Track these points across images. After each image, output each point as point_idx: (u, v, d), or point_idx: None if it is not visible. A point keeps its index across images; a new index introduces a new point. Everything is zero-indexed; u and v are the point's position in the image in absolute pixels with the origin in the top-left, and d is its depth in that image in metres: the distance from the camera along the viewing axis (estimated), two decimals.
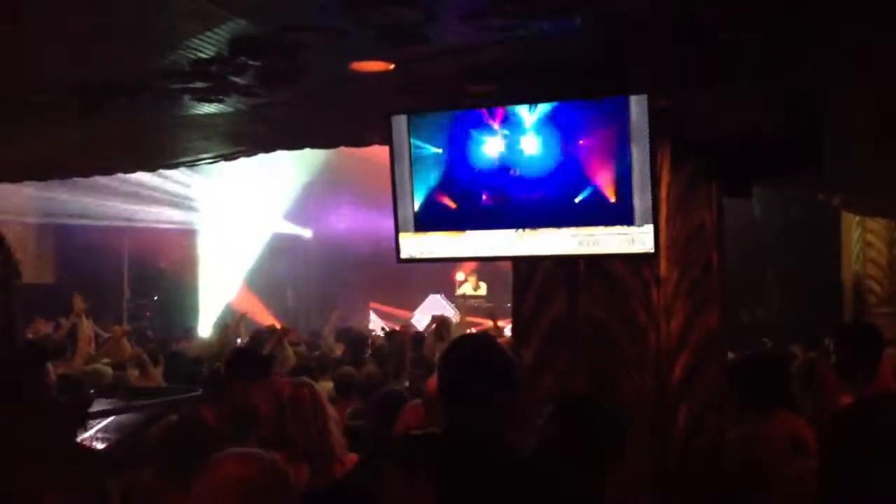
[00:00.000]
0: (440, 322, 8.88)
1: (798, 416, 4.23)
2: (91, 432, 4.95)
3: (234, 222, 15.12)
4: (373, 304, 15.51)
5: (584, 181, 3.92)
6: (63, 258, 14.06)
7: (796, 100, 4.12)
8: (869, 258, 10.96)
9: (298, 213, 15.55)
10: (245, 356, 4.73)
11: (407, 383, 6.27)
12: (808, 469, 3.95)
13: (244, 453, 2.31)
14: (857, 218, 10.86)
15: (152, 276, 14.92)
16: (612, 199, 3.87)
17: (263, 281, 15.16)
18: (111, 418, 5.34)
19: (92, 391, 4.32)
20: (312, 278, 15.68)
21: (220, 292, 14.94)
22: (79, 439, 4.29)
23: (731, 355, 5.47)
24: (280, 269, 15.51)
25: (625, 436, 2.79)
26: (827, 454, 1.99)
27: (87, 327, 8.32)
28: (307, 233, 16.11)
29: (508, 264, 4.53)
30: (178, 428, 3.93)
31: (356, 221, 14.32)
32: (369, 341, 9.35)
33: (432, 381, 3.77)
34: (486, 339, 2.64)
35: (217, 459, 2.22)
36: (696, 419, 4.06)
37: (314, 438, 3.65)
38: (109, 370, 6.51)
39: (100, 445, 4.74)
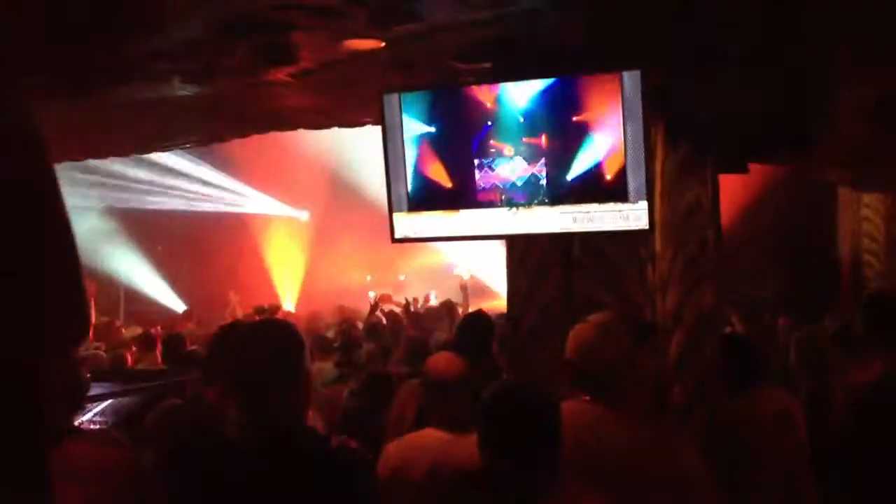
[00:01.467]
0: (448, 308, 8.83)
1: (784, 390, 4.25)
2: (88, 416, 4.95)
3: (230, 203, 15.10)
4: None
5: (577, 158, 3.91)
6: None
7: (790, 77, 4.10)
8: (866, 233, 10.95)
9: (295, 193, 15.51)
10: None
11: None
12: (796, 443, 3.98)
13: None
14: (854, 193, 10.85)
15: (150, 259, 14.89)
16: (607, 176, 3.85)
17: (257, 262, 15.15)
18: (108, 402, 5.34)
19: (88, 374, 4.30)
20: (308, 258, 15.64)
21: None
22: (76, 423, 4.29)
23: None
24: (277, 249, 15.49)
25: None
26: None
27: (94, 311, 8.34)
28: (304, 214, 16.08)
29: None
30: (181, 409, 3.92)
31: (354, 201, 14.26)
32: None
33: (433, 361, 3.76)
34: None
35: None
36: (692, 395, 4.06)
37: None
38: (104, 355, 6.51)
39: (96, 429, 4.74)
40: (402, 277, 13.87)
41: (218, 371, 3.98)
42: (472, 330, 4.71)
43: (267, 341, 2.29)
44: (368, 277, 13.45)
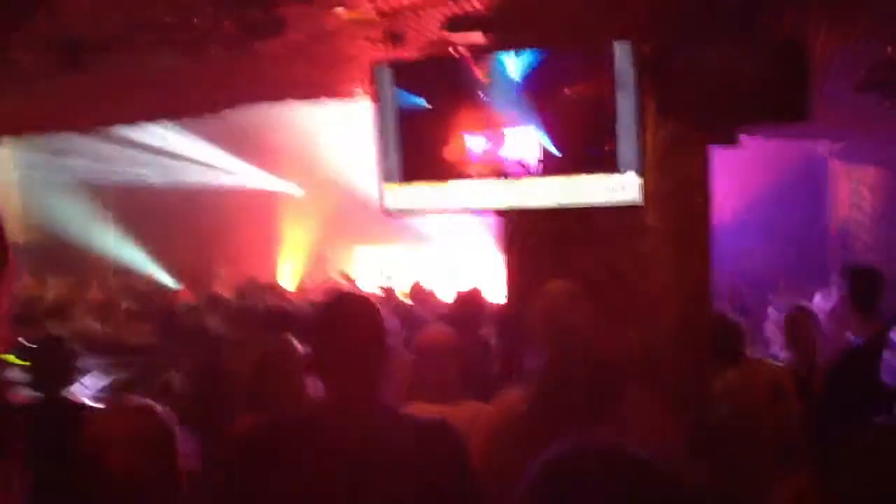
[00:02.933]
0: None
1: (772, 362, 4.30)
2: (81, 388, 4.96)
3: (220, 177, 15.01)
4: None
5: (569, 129, 3.91)
6: (50, 217, 13.98)
7: (782, 49, 4.09)
8: (854, 204, 11.00)
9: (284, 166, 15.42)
10: None
11: None
12: (789, 412, 4.03)
13: (133, 405, 2.33)
14: (845, 165, 10.88)
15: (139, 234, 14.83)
16: (598, 148, 3.85)
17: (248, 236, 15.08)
18: (103, 375, 5.35)
19: (75, 349, 4.30)
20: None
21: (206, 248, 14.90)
22: (70, 397, 4.30)
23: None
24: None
25: None
26: None
27: (96, 288, 8.36)
28: (298, 191, 15.99)
29: None
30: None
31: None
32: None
33: (425, 333, 3.77)
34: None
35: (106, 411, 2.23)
36: (686, 369, 4.08)
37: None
38: (97, 326, 6.50)
39: (92, 403, 4.74)
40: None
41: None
42: (464, 302, 4.74)
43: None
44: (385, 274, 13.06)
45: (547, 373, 2.68)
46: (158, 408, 2.38)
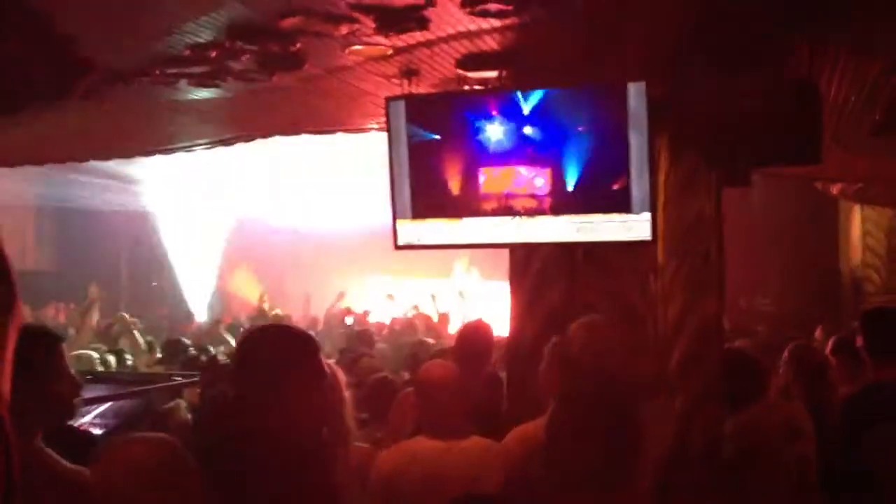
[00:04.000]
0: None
1: (792, 403, 4.25)
2: (88, 418, 4.95)
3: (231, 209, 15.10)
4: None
5: (582, 168, 3.92)
6: (63, 244, 14.07)
7: (795, 90, 4.10)
8: (867, 247, 10.97)
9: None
10: None
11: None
12: (805, 454, 3.98)
13: (149, 438, 2.32)
14: (856, 206, 10.86)
15: (151, 261, 14.91)
16: (611, 187, 3.86)
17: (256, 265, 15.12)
18: (109, 404, 5.34)
19: (88, 376, 4.31)
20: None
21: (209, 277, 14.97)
22: (76, 424, 4.29)
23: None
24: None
25: None
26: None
27: (95, 315, 8.39)
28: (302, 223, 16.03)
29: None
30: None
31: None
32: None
33: (427, 369, 3.76)
34: None
35: (121, 442, 2.23)
36: (694, 406, 4.06)
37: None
38: (95, 354, 6.50)
39: (97, 431, 4.73)
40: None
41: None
42: (472, 339, 4.71)
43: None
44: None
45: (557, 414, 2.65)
46: (177, 442, 2.37)
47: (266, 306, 10.80)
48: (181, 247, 15.11)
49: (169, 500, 2.18)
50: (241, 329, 8.55)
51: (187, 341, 7.94)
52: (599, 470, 2.20)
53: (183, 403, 3.67)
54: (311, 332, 7.30)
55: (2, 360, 1.21)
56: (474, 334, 4.75)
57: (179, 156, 7.30)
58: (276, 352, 2.36)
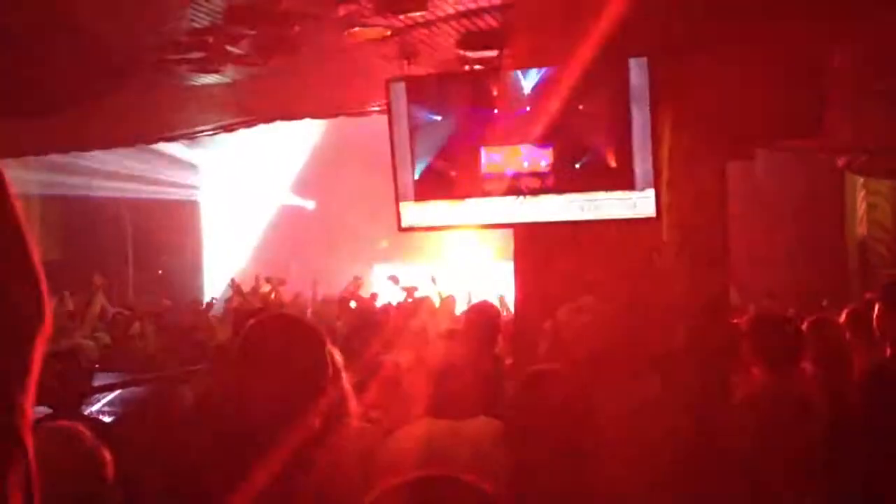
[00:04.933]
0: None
1: (809, 377, 4.23)
2: (97, 406, 4.98)
3: (238, 194, 15.11)
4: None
5: (584, 146, 3.90)
6: (68, 233, 14.10)
7: (797, 63, 4.08)
8: (873, 220, 10.92)
9: (302, 184, 15.52)
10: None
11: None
12: (815, 432, 3.96)
13: (57, 427, 2.31)
14: (862, 180, 10.81)
15: (156, 250, 14.92)
16: (613, 164, 3.84)
17: (266, 254, 15.15)
18: (118, 391, 5.37)
19: (97, 365, 4.33)
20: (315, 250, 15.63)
21: (225, 265, 14.98)
22: (85, 412, 4.31)
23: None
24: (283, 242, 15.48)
25: None
26: None
27: (99, 304, 8.40)
28: (310, 204, 16.06)
29: None
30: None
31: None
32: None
33: (433, 348, 3.77)
34: None
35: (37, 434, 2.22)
36: (700, 383, 4.06)
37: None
38: (93, 344, 6.52)
39: (106, 419, 4.76)
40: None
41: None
42: (479, 318, 4.71)
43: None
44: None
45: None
46: (87, 433, 2.35)
47: (265, 289, 10.74)
48: (212, 233, 15.14)
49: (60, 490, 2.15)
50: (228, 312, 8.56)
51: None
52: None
53: (188, 392, 3.67)
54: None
55: (29, 379, 1.15)
56: (481, 315, 4.75)
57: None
58: (280, 343, 2.35)
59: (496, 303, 8.86)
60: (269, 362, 2.27)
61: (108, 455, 2.32)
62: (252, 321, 2.40)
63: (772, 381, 4.00)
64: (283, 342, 2.31)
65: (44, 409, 4.16)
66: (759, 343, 4.05)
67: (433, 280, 9.99)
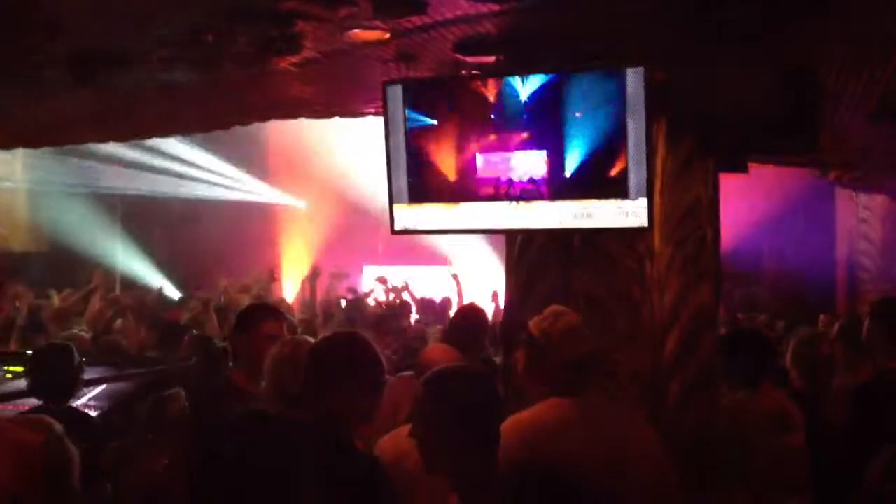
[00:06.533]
0: None
1: (784, 393, 4.26)
2: (83, 399, 4.95)
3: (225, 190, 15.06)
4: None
5: (579, 154, 3.91)
6: (56, 225, 14.03)
7: (792, 77, 4.10)
8: (862, 235, 10.98)
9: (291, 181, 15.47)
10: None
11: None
12: (792, 445, 3.99)
13: (31, 419, 2.31)
14: (853, 193, 10.86)
15: (145, 246, 14.86)
16: (608, 173, 3.85)
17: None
18: (103, 386, 5.34)
19: (83, 358, 4.31)
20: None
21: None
22: (73, 405, 4.30)
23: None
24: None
25: None
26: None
27: (97, 301, 8.38)
28: (301, 203, 16.02)
29: None
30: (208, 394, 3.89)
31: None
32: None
33: (427, 353, 3.78)
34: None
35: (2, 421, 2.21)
36: (688, 393, 4.07)
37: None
38: (87, 335, 6.49)
39: (92, 413, 4.74)
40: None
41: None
42: (464, 323, 4.71)
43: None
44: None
45: None
46: (57, 426, 2.34)
47: (255, 289, 10.68)
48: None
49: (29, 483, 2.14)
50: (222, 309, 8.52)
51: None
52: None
53: (182, 391, 3.66)
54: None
55: None
56: (466, 318, 4.75)
57: None
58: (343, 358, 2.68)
59: (492, 301, 8.92)
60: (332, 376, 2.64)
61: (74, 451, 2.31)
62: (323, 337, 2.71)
63: (748, 395, 4.04)
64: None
65: (34, 401, 4.16)
66: (731, 360, 4.11)
67: (455, 277, 10.03)
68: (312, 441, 2.36)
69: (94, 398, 5.18)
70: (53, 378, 4.10)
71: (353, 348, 2.72)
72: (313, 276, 9.20)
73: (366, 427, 2.80)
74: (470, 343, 4.44)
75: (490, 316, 8.95)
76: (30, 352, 5.10)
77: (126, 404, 4.97)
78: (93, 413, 4.75)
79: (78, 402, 4.56)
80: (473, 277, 11.27)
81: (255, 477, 2.17)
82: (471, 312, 4.88)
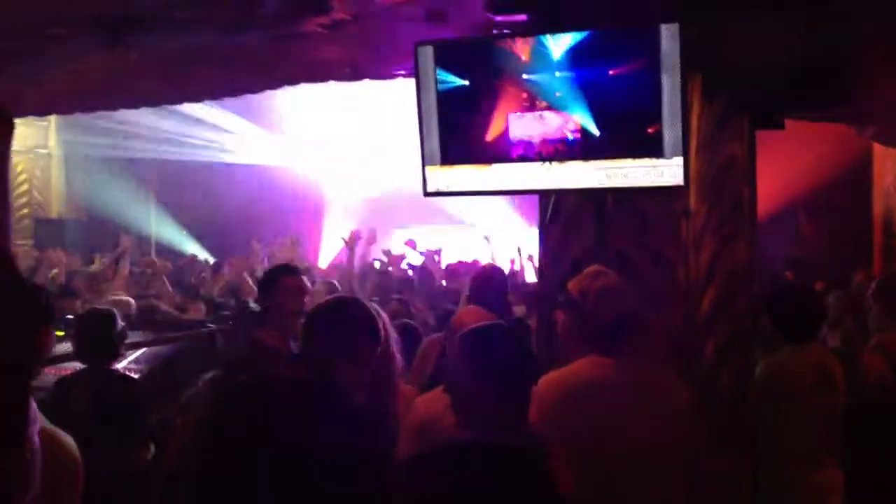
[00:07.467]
0: None
1: (828, 350, 4.24)
2: (124, 363, 5.05)
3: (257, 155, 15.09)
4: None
5: (613, 113, 3.87)
6: (92, 192, 14.17)
7: (827, 31, 4.01)
8: None
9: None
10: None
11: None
12: (833, 404, 3.97)
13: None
14: (890, 151, 10.66)
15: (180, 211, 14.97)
16: (642, 131, 3.81)
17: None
18: (143, 349, 5.44)
19: (123, 324, 4.38)
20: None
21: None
22: (114, 368, 4.38)
23: None
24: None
25: None
26: None
27: (126, 264, 8.51)
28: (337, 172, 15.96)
29: None
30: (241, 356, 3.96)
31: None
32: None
33: (461, 314, 3.78)
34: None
35: None
36: (722, 353, 4.06)
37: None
38: (132, 301, 6.59)
39: (134, 376, 4.83)
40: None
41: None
42: (486, 283, 4.68)
43: None
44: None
45: None
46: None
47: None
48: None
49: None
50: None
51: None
52: None
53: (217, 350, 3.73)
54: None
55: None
56: (487, 280, 4.73)
57: None
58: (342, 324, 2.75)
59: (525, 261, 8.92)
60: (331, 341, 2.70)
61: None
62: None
63: (794, 350, 4.02)
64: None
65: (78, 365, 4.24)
66: (780, 315, 4.07)
67: (487, 239, 10.04)
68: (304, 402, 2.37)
69: (135, 361, 5.28)
70: (97, 342, 4.17)
71: (343, 314, 2.81)
72: (353, 239, 9.25)
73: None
74: (494, 302, 4.43)
75: (519, 276, 9.00)
76: (70, 316, 5.20)
77: (166, 366, 5.06)
78: (135, 375, 4.85)
79: (119, 365, 4.66)
80: (499, 239, 11.24)
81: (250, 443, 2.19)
82: (493, 272, 4.87)
